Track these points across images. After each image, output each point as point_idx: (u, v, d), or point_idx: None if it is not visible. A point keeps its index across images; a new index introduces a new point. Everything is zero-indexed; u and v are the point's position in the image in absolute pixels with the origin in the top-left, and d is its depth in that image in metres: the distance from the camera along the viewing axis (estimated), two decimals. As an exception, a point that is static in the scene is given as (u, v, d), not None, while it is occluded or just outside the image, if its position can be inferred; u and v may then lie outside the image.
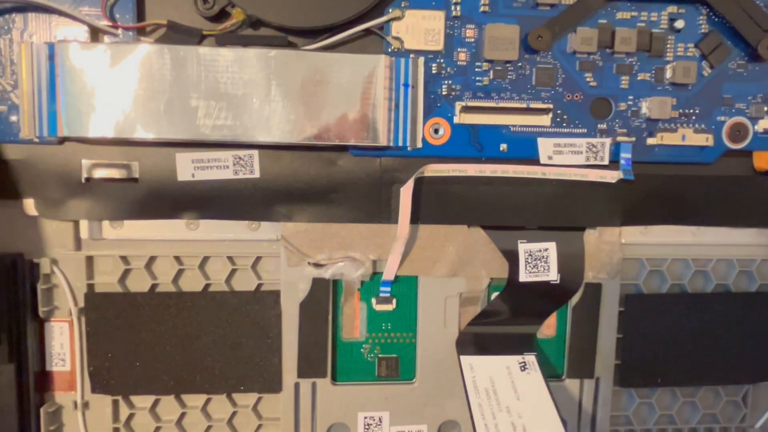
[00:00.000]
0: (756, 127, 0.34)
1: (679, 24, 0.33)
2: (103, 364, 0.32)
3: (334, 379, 0.34)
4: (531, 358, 0.33)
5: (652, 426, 0.37)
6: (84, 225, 0.32)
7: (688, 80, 0.33)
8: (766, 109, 0.34)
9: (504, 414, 0.29)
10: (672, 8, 0.33)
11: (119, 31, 0.30)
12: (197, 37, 0.31)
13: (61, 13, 0.30)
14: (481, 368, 0.32)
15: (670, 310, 0.35)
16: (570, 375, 0.35)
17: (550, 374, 0.35)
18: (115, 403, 0.33)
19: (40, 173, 0.31)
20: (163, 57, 0.29)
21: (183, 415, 0.34)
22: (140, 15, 0.31)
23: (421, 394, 0.35)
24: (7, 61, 0.30)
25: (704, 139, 0.33)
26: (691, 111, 0.34)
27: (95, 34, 0.31)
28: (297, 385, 0.34)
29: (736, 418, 0.37)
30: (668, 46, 0.33)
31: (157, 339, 0.32)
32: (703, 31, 0.33)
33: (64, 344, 0.33)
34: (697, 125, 0.34)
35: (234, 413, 0.34)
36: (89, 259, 0.32)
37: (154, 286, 0.33)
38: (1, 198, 0.31)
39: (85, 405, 0.33)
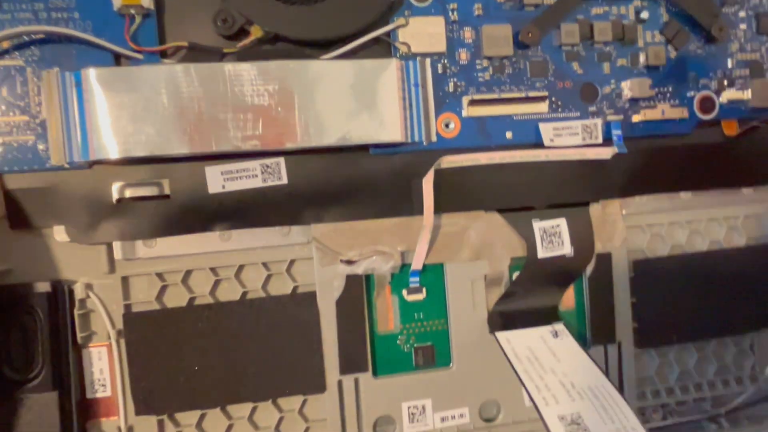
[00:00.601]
0: (720, 99, 0.38)
1: (644, 15, 0.37)
2: (146, 384, 0.32)
3: (374, 373, 0.35)
4: (560, 326, 0.35)
5: (673, 384, 0.39)
6: (117, 246, 0.32)
7: (659, 62, 0.37)
8: (725, 83, 0.38)
9: (550, 375, 0.30)
10: (636, 2, 0.37)
11: (142, 55, 0.31)
12: (218, 56, 0.32)
13: (83, 42, 0.31)
14: (518, 341, 0.34)
15: (674, 270, 0.38)
16: (594, 342, 0.37)
17: (577, 345, 0.37)
18: (161, 423, 0.32)
19: (70, 199, 0.31)
20: (190, 75, 0.31)
21: (230, 427, 0.33)
22: (161, 38, 0.32)
23: (459, 378, 0.36)
24: (33, 92, 0.31)
25: (680, 113, 0.37)
26: (666, 89, 0.37)
27: (117, 59, 0.32)
28: (340, 383, 0.34)
29: (746, 366, 0.40)
30: (638, 34, 0.37)
31: (198, 352, 0.32)
32: (664, 20, 0.37)
33: (103, 369, 0.32)
34: (672, 101, 0.38)
35: (281, 419, 0.34)
36: (125, 280, 0.32)
37: (191, 300, 0.33)
38: (32, 227, 0.31)
39: (130, 429, 0.32)
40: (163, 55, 0.32)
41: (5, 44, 0.30)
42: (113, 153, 0.30)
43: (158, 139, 0.30)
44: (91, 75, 0.30)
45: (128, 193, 0.31)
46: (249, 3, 0.32)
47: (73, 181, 0.31)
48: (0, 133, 0.30)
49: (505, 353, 0.32)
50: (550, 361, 0.31)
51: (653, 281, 0.38)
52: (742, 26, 0.39)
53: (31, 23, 0.30)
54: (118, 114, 0.30)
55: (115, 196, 0.31)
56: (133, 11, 0.31)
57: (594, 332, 0.37)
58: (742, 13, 0.39)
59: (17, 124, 0.31)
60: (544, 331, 0.35)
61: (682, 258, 0.38)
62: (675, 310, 0.38)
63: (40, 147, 0.31)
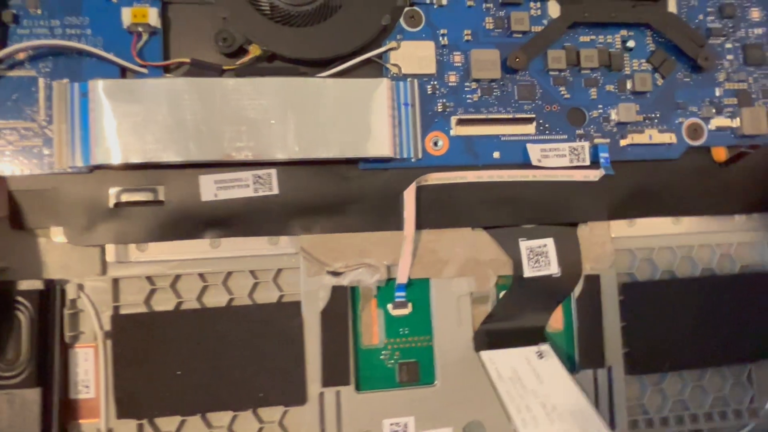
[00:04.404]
0: (709, 126, 0.38)
1: (631, 44, 0.37)
2: (129, 387, 0.31)
3: (357, 387, 0.34)
4: (546, 347, 0.34)
5: (668, 413, 0.37)
6: (110, 249, 0.32)
7: (646, 89, 0.37)
8: (713, 110, 0.38)
9: (531, 397, 0.29)
10: (623, 32, 0.38)
11: (146, 69, 0.33)
12: (218, 72, 0.33)
13: (93, 56, 0.32)
14: (502, 360, 0.33)
15: (665, 295, 0.37)
16: (583, 365, 0.36)
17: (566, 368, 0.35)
18: (141, 428, 0.32)
19: (69, 202, 0.32)
20: (189, 88, 0.32)
21: (209, 435, 0.32)
22: (166, 55, 0.33)
23: (443, 396, 0.34)
24: (43, 100, 0.32)
25: (668, 138, 0.37)
26: (653, 115, 0.37)
27: (124, 73, 0.33)
28: (321, 395, 0.33)
29: (745, 399, 0.38)
30: (624, 62, 0.37)
31: (182, 357, 0.32)
32: (651, 49, 0.38)
33: (88, 370, 0.32)
34: (660, 126, 0.37)
35: (260, 429, 0.33)
36: (115, 282, 0.32)
37: (179, 305, 0.33)
38: (32, 227, 0.32)
39: (109, 432, 0.31)
40: (167, 70, 0.33)
41: (21, 56, 0.32)
42: (113, 159, 0.31)
43: (156, 147, 0.31)
44: (97, 86, 0.31)
45: (124, 198, 0.32)
46: (248, 24, 0.33)
47: (73, 185, 0.32)
48: (11, 138, 0.31)
49: (488, 373, 0.31)
50: (533, 382, 0.30)
51: (643, 305, 0.36)
52: (729, 57, 0.39)
53: (48, 38, 0.32)
54: (120, 123, 0.31)
55: (112, 200, 0.32)
56: (140, 29, 0.33)
57: (582, 355, 0.36)
58: (728, 45, 0.39)
59: (27, 129, 0.32)
60: (530, 351, 0.33)
61: (673, 283, 0.37)
62: (667, 336, 0.36)
63: (46, 152, 0.32)
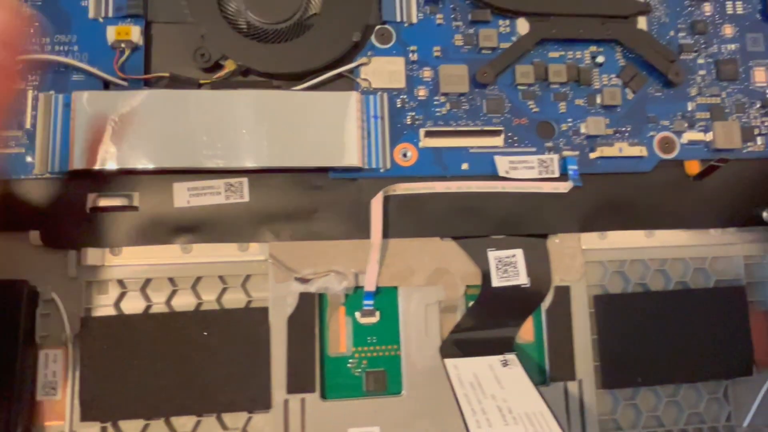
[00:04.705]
0: (681, 139, 0.38)
1: (600, 59, 0.38)
2: (95, 389, 0.32)
3: (323, 395, 0.34)
4: (511, 356, 0.34)
5: (641, 429, 0.36)
6: (85, 252, 0.33)
7: (615, 102, 0.37)
8: (686, 124, 0.38)
9: (489, 400, 0.29)
10: (592, 48, 0.38)
11: (127, 82, 0.35)
12: (195, 86, 0.35)
13: (78, 70, 0.34)
14: (465, 367, 0.32)
15: (637, 308, 0.36)
16: (553, 378, 0.35)
17: (535, 380, 0.35)
18: (104, 431, 0.32)
19: (47, 205, 0.33)
20: (166, 99, 0.33)
21: (172, 439, 0.32)
22: (147, 69, 0.35)
23: (410, 406, 0.34)
24: (28, 110, 0.34)
25: (639, 151, 0.37)
26: (624, 129, 0.38)
27: (107, 86, 0.35)
28: (286, 402, 0.33)
29: (721, 416, 0.37)
30: (594, 77, 0.38)
31: (149, 361, 0.32)
32: (621, 64, 0.39)
33: (57, 372, 0.32)
34: (631, 140, 0.38)
35: (223, 435, 0.33)
36: (88, 285, 0.33)
37: (147, 308, 0.33)
38: (11, 230, 0.33)
39: (73, 433, 0.32)
40: (147, 83, 0.35)
41: (11, 70, 0.34)
42: (91, 165, 0.32)
43: (132, 154, 0.33)
44: (79, 97, 0.33)
45: (101, 203, 0.33)
46: (225, 41, 0.35)
47: (51, 189, 0.33)
48: (-4, 145, 0.33)
49: (449, 378, 0.31)
50: (493, 387, 0.30)
51: (615, 318, 0.36)
52: (702, 72, 0.39)
53: (37, 53, 0.34)
54: (98, 130, 0.33)
55: (88, 205, 0.33)
56: (123, 45, 0.34)
57: (553, 367, 0.35)
58: (701, 60, 0.39)
59: (13, 138, 0.33)
60: (494, 359, 0.33)
61: (645, 295, 0.37)
62: (640, 350, 0.36)
63: (28, 159, 0.33)
